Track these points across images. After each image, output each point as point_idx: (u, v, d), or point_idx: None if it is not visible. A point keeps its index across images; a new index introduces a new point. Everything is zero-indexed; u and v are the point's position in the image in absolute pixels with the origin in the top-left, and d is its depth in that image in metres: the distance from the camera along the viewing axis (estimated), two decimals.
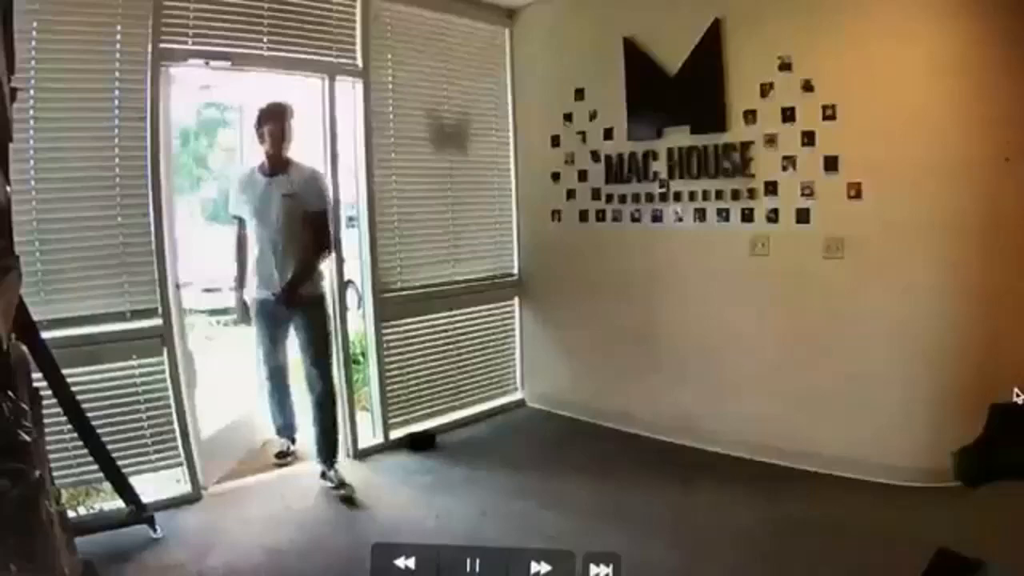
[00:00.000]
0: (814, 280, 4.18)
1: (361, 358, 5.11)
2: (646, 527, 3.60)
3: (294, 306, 4.22)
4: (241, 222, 4.40)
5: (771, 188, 4.29)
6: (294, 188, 4.22)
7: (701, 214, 4.58)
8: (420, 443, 4.79)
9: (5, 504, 1.36)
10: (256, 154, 4.39)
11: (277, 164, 4.24)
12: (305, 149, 4.39)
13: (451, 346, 5.24)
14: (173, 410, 3.87)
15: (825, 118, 4.05)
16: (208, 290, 6.54)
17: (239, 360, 5.16)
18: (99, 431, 3.40)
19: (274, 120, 4.19)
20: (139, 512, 3.49)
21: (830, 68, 4.03)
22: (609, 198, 5.03)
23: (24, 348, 2.29)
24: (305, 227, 4.21)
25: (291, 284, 4.17)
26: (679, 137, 4.65)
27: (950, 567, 1.60)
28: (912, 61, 3.85)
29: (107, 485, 3.56)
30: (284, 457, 4.56)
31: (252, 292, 4.36)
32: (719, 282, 4.56)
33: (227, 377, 5.09)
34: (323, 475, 4.20)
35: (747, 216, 4.40)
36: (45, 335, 3.09)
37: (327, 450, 4.25)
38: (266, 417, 4.72)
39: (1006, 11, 3.76)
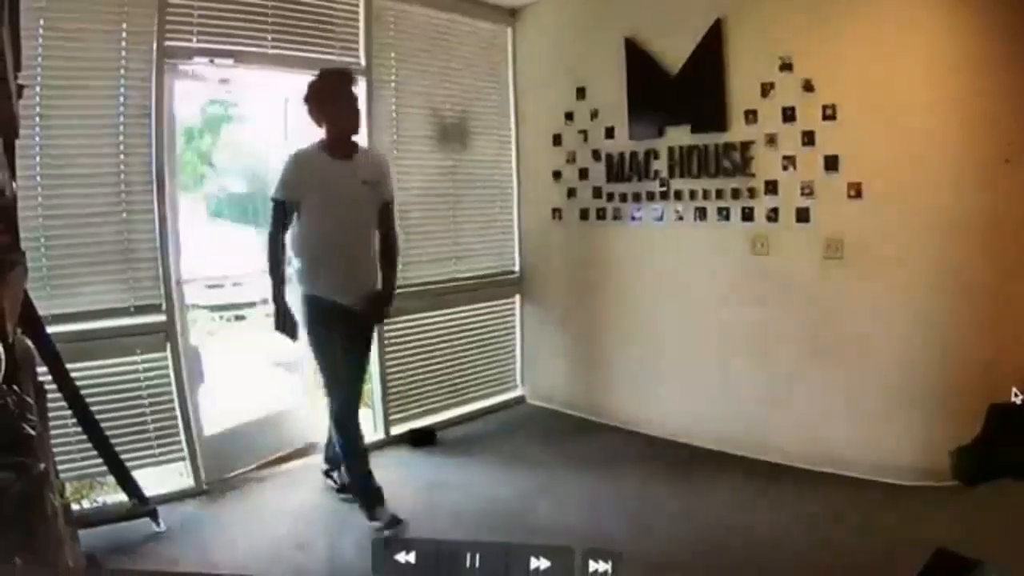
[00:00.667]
0: (814, 279, 4.19)
1: None
2: (645, 523, 3.62)
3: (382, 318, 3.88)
4: (281, 210, 3.64)
5: (771, 187, 4.30)
6: (373, 175, 3.72)
7: (702, 213, 4.59)
8: (421, 439, 4.80)
9: (9, 498, 1.38)
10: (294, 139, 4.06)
11: (347, 144, 3.68)
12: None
13: (452, 343, 5.25)
14: (176, 405, 3.89)
15: (825, 118, 4.06)
16: (211, 286, 6.56)
17: (241, 355, 5.16)
18: (103, 425, 3.42)
19: (343, 89, 3.66)
20: (142, 506, 3.51)
21: (831, 68, 4.04)
22: (610, 196, 5.05)
23: (29, 342, 2.31)
24: (379, 222, 3.80)
25: (387, 294, 3.81)
26: (680, 136, 4.65)
27: (948, 567, 1.61)
28: (912, 61, 3.85)
29: (110, 479, 3.58)
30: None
31: (308, 291, 3.68)
32: (719, 280, 4.57)
33: (232, 372, 5.09)
34: (327, 474, 4.07)
35: (747, 215, 4.41)
36: (50, 329, 3.12)
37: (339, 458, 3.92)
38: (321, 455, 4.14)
39: (1007, 9, 3.77)
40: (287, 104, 4.58)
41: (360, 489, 3.71)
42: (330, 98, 3.63)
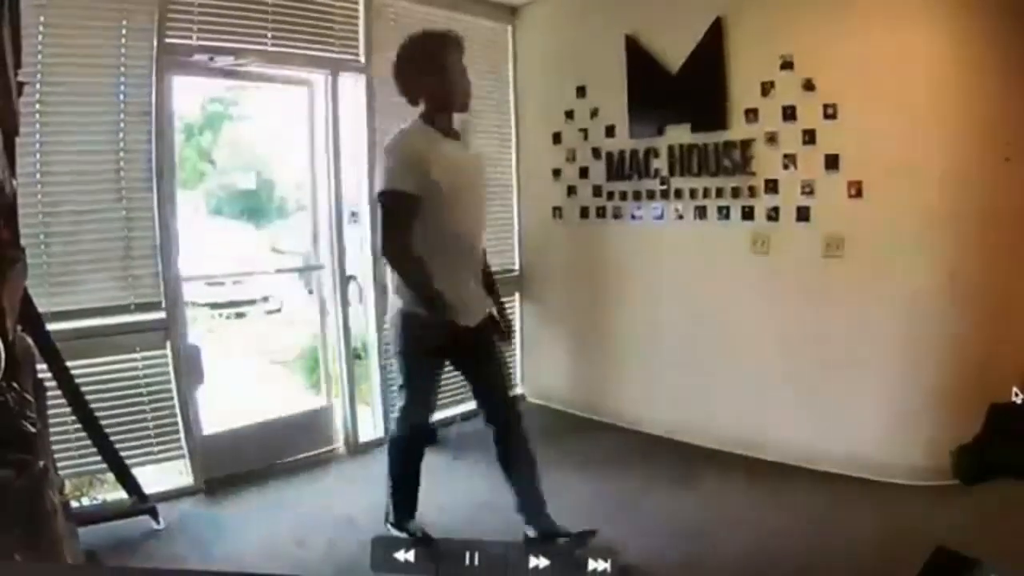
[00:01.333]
0: (814, 278, 4.19)
1: (362, 352, 5.11)
2: (645, 522, 3.63)
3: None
4: (405, 207, 2.86)
5: (771, 186, 4.29)
6: (483, 160, 3.25)
7: (702, 212, 4.59)
8: None
9: (10, 495, 1.38)
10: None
11: (452, 123, 3.06)
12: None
13: None
14: (175, 402, 3.89)
15: (826, 117, 4.05)
16: (211, 283, 6.57)
17: (241, 352, 5.16)
18: (102, 422, 3.43)
19: (453, 54, 3.00)
20: (141, 503, 3.52)
21: (831, 67, 4.03)
22: (610, 195, 5.04)
23: (29, 340, 2.31)
24: None
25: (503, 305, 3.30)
26: (680, 135, 4.65)
27: (947, 566, 1.60)
28: (914, 61, 3.84)
29: (110, 476, 3.59)
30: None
31: (413, 308, 2.98)
32: (719, 279, 4.57)
33: (232, 370, 5.08)
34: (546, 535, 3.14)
35: (747, 214, 4.40)
36: (49, 327, 3.12)
37: (539, 501, 3.26)
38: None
39: (1008, 10, 3.76)
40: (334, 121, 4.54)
41: (398, 500, 3.38)
42: (437, 65, 2.97)
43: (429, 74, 2.97)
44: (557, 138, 5.32)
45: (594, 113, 5.09)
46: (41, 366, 2.88)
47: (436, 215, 2.89)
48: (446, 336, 2.92)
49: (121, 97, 3.67)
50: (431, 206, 2.87)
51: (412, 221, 2.85)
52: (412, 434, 3.26)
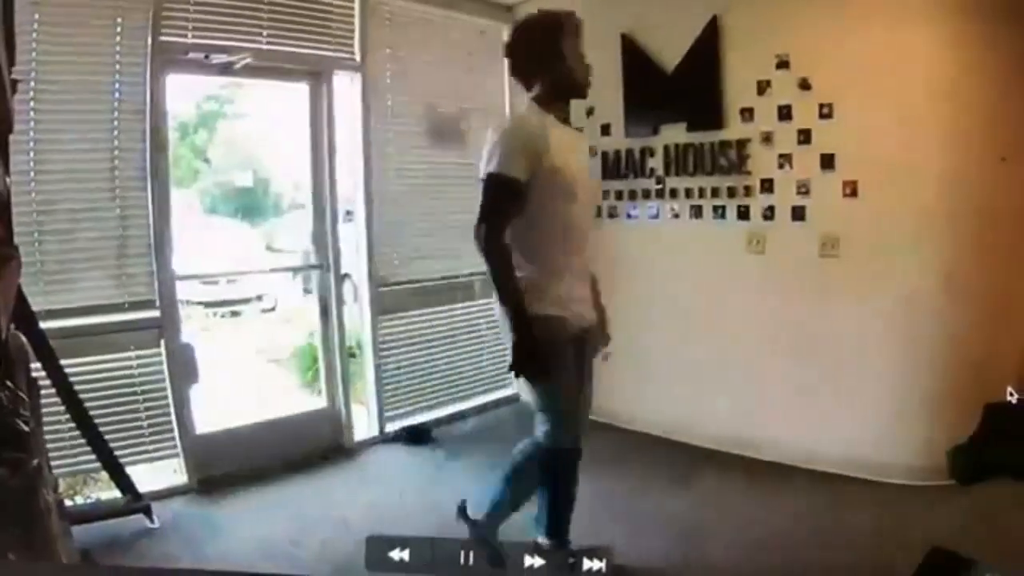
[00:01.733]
0: (809, 277, 4.18)
1: (357, 351, 5.11)
2: (641, 522, 3.62)
3: None
4: (512, 195, 2.63)
5: (767, 186, 4.29)
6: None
7: (697, 211, 4.58)
8: (416, 436, 4.79)
9: (4, 493, 1.37)
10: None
11: (568, 110, 2.89)
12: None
13: (448, 340, 5.24)
14: (170, 401, 3.88)
15: (822, 116, 4.05)
16: (206, 282, 6.56)
17: (236, 351, 5.15)
18: (96, 421, 3.42)
19: (575, 36, 2.88)
20: (135, 502, 3.50)
21: (827, 67, 4.02)
22: (606, 194, 5.03)
23: (23, 338, 2.30)
24: None
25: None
26: (676, 134, 4.64)
27: (944, 565, 1.61)
28: (911, 61, 3.84)
29: (104, 475, 3.57)
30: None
31: (540, 310, 2.67)
32: (715, 279, 4.56)
33: (227, 369, 5.07)
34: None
35: (743, 213, 4.40)
36: (43, 325, 3.11)
37: (565, 523, 3.04)
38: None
39: (1006, 10, 3.77)
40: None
41: (503, 510, 3.09)
42: (556, 48, 2.82)
43: (548, 57, 2.80)
44: None
45: (589, 112, 5.06)
46: (35, 364, 2.88)
47: (551, 205, 2.68)
48: (574, 336, 2.78)
49: (116, 95, 3.66)
50: (546, 195, 2.66)
51: (515, 210, 2.64)
52: (567, 454, 3.03)
